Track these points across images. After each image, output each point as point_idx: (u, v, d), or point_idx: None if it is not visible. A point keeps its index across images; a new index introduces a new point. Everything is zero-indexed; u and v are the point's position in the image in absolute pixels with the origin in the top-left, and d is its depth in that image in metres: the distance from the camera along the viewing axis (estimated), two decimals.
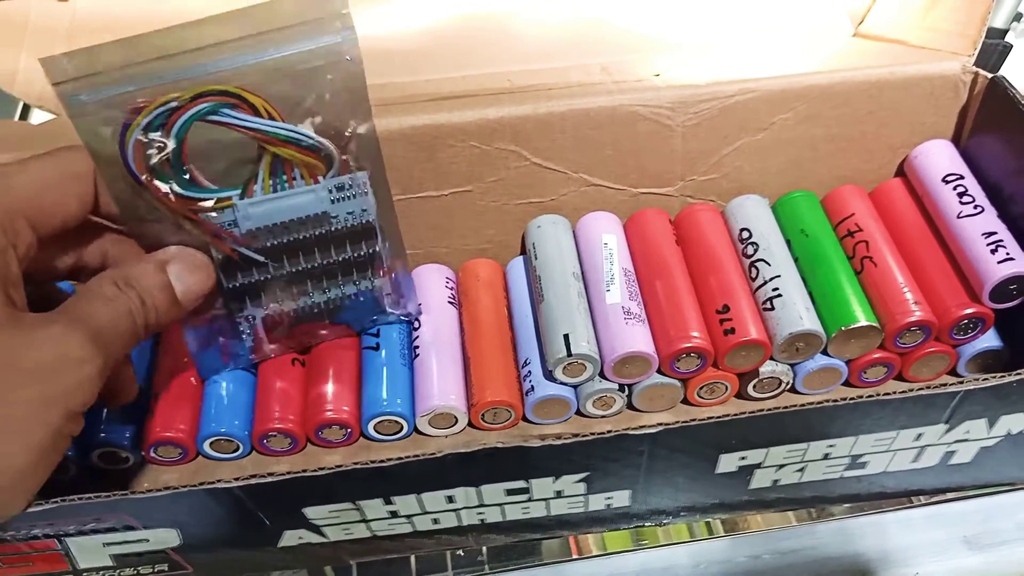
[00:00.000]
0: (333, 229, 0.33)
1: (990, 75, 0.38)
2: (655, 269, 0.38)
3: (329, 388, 0.36)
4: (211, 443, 0.36)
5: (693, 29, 0.46)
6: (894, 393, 0.29)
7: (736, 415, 0.28)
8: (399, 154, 0.39)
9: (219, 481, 0.28)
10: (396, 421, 0.36)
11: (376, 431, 0.37)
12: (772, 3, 0.47)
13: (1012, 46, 0.43)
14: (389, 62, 0.45)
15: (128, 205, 0.29)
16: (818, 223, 0.39)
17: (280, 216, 0.32)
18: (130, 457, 0.36)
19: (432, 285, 0.40)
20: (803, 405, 0.29)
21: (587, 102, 0.39)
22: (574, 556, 0.40)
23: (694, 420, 0.28)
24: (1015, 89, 0.37)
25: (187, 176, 0.30)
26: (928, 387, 0.29)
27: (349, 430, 0.36)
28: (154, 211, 0.30)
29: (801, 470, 0.34)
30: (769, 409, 0.28)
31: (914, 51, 0.41)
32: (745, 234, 0.39)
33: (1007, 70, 0.40)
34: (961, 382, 0.29)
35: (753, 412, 0.28)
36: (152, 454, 0.36)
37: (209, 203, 0.30)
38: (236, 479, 0.28)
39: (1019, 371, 0.29)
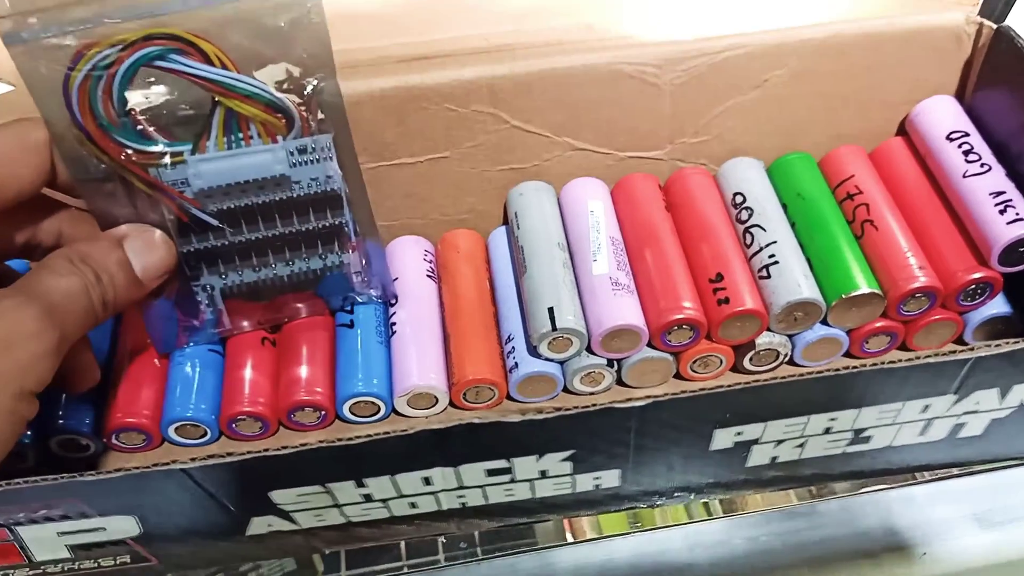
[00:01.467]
0: (295, 195, 0.31)
1: (995, 25, 0.36)
2: (644, 237, 0.36)
3: (301, 368, 0.35)
4: (176, 428, 0.34)
5: None
6: (900, 361, 0.27)
7: (730, 387, 0.27)
8: (368, 118, 0.37)
9: (174, 462, 0.26)
10: (373, 402, 0.35)
11: (352, 413, 0.35)
12: None
13: None
14: (355, 25, 0.43)
15: (75, 159, 0.28)
16: (815, 186, 0.37)
17: (235, 176, 0.30)
18: (91, 444, 0.34)
19: (409, 258, 0.38)
20: (802, 375, 0.27)
21: (568, 60, 0.37)
22: (568, 540, 0.38)
23: (684, 392, 0.27)
24: (1022, 40, 0.35)
25: (136, 128, 0.28)
26: (937, 354, 0.27)
27: (323, 412, 0.35)
28: (101, 167, 0.29)
29: (801, 446, 0.32)
30: (765, 380, 0.26)
31: (913, 2, 0.39)
32: (739, 199, 0.37)
33: (1013, 20, 0.38)
34: (972, 349, 0.27)
35: (748, 383, 0.26)
36: (114, 441, 0.34)
37: (158, 157, 0.29)
38: (192, 459, 0.26)
39: None
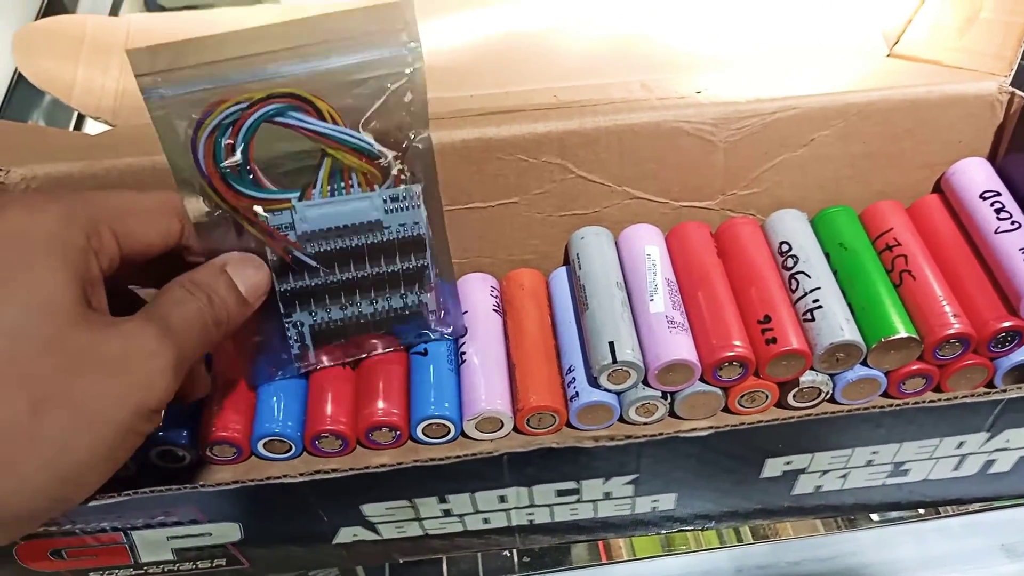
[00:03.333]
0: (385, 239, 0.34)
1: None
2: (697, 280, 0.39)
3: (379, 391, 0.37)
4: (265, 443, 0.37)
5: (729, 49, 0.48)
6: (939, 400, 0.29)
7: (784, 420, 0.29)
8: (449, 166, 0.40)
9: (284, 476, 0.29)
10: (444, 424, 0.37)
11: (424, 434, 0.37)
12: (807, 26, 0.49)
13: None
14: (432, 78, 0.46)
15: (194, 203, 0.31)
16: (857, 237, 0.40)
17: (335, 221, 0.33)
18: (187, 456, 0.37)
19: (477, 293, 0.41)
20: (849, 411, 0.29)
21: (633, 117, 0.40)
22: (603, 560, 0.40)
23: (743, 424, 0.29)
24: None
25: (251, 176, 0.31)
26: (972, 394, 0.29)
27: (398, 432, 0.37)
28: (217, 212, 0.31)
29: (844, 476, 0.34)
30: (817, 414, 0.29)
31: (949, 71, 0.42)
32: (785, 247, 0.40)
33: None
34: (1004, 391, 0.29)
35: (801, 417, 0.29)
36: (208, 453, 0.37)
37: (269, 204, 0.32)
38: (301, 474, 0.29)
39: None
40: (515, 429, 0.38)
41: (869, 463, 0.33)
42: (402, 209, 0.34)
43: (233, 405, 0.38)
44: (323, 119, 0.31)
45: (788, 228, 0.41)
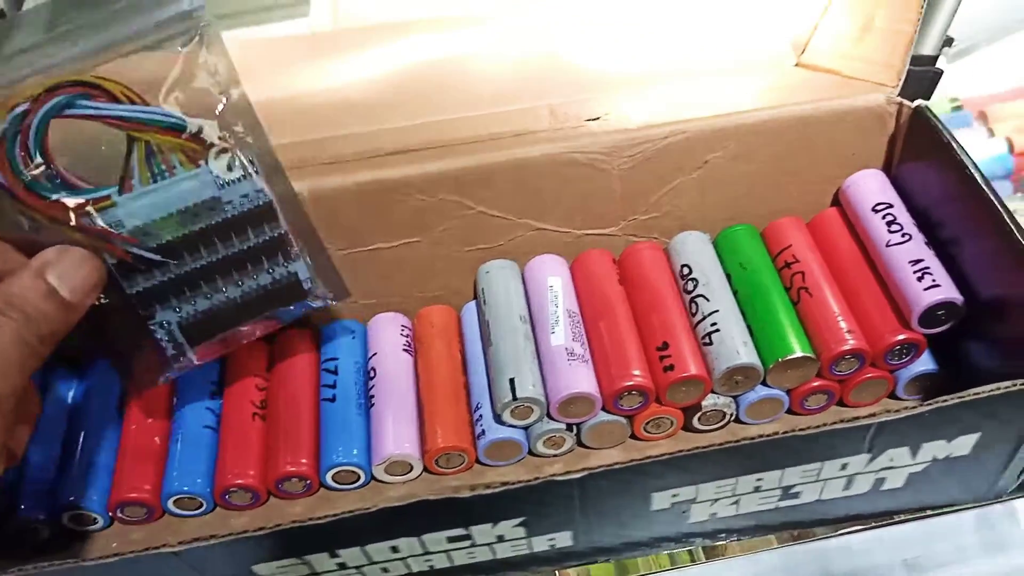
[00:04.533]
0: (229, 216, 0.31)
1: (913, 104, 0.39)
2: (599, 310, 0.39)
3: (287, 441, 0.38)
4: (175, 501, 0.37)
5: (643, 65, 0.47)
6: (808, 429, 0.30)
7: (656, 458, 0.29)
8: (347, 210, 0.40)
9: (164, 546, 0.29)
10: (353, 471, 0.37)
11: (335, 481, 0.38)
12: (719, 34, 0.48)
13: (943, 72, 0.43)
14: (346, 113, 0.46)
15: (7, 219, 0.29)
16: (757, 256, 0.40)
17: (167, 208, 0.30)
18: (99, 519, 0.37)
19: (387, 334, 0.41)
20: (707, 446, 0.29)
21: (527, 151, 0.40)
22: None
23: (616, 464, 0.29)
24: (937, 118, 0.38)
25: (58, 179, 0.28)
26: (841, 421, 0.29)
27: (309, 482, 0.37)
28: (36, 223, 0.29)
29: (736, 503, 0.35)
30: (669, 454, 0.29)
31: (846, 82, 0.42)
32: (686, 270, 0.40)
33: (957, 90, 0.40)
34: (873, 415, 0.29)
35: (656, 457, 0.29)
36: (119, 514, 0.37)
37: (86, 205, 0.29)
38: (180, 543, 0.29)
39: (931, 401, 0.30)
40: (425, 470, 0.38)
41: (757, 489, 0.34)
42: (238, 180, 0.31)
43: (142, 463, 0.38)
44: (117, 101, 0.28)
45: (689, 251, 0.41)
